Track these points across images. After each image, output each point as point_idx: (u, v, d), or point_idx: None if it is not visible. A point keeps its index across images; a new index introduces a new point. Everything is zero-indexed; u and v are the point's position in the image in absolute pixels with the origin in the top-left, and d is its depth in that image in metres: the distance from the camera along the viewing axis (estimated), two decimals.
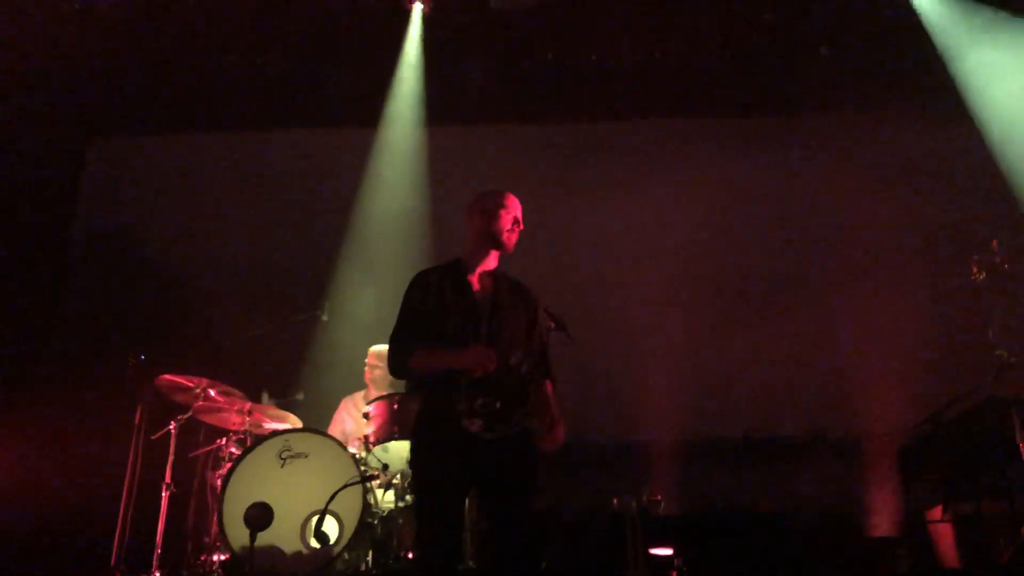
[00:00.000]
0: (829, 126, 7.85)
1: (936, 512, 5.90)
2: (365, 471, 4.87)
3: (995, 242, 5.09)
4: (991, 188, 6.91)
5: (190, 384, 5.26)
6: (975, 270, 5.11)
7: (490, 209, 3.51)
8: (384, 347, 5.72)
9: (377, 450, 5.05)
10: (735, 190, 7.50)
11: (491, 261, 3.54)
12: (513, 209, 3.53)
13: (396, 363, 3.43)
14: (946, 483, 5.77)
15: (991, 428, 5.15)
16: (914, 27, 7.16)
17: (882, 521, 6.81)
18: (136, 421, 5.44)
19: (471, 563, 4.71)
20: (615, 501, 4.21)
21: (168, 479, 5.25)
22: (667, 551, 4.09)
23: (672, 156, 7.74)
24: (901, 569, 5.62)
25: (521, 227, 3.54)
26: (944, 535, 5.73)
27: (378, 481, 4.97)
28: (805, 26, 7.27)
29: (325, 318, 6.08)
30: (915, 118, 7.47)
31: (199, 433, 5.60)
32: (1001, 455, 5.08)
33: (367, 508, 4.79)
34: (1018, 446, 4.71)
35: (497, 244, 3.50)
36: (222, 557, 4.89)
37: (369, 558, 4.85)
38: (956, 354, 6.32)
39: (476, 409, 3.22)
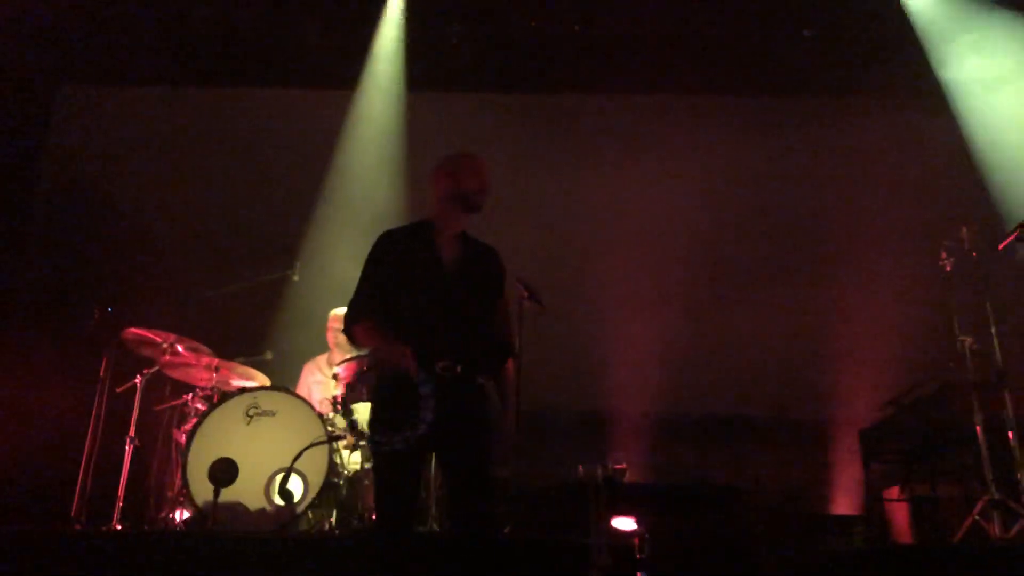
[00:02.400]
0: (808, 110, 7.89)
1: (893, 492, 6.04)
2: (332, 431, 4.86)
3: (964, 230, 5.14)
4: (963, 177, 7.00)
5: (157, 339, 5.21)
6: (943, 256, 5.17)
7: (457, 170, 3.46)
8: (345, 310, 5.75)
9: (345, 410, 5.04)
10: (714, 171, 7.53)
11: (459, 223, 3.48)
12: (480, 171, 3.47)
13: (345, 329, 3.43)
14: (904, 465, 5.90)
15: (950, 413, 5.25)
16: (897, 14, 7.19)
17: (842, 499, 6.96)
18: (101, 374, 5.37)
19: (435, 526, 4.74)
20: (580, 469, 4.24)
21: (132, 433, 5.21)
22: (630, 519, 4.13)
23: (652, 133, 7.75)
24: (857, 544, 5.74)
25: (489, 190, 3.48)
26: (899, 514, 5.87)
27: (345, 442, 4.96)
28: (789, 7, 7.26)
29: (296, 278, 6.04)
30: (892, 105, 7.54)
31: (165, 388, 5.55)
32: (958, 439, 5.18)
33: (333, 468, 4.79)
34: (975, 430, 4.80)
35: (466, 206, 3.44)
36: (185, 512, 4.88)
37: (333, 518, 4.86)
38: (921, 340, 6.41)
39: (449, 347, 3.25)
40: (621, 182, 7.48)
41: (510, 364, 3.53)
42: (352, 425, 4.84)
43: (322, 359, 5.89)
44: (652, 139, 7.67)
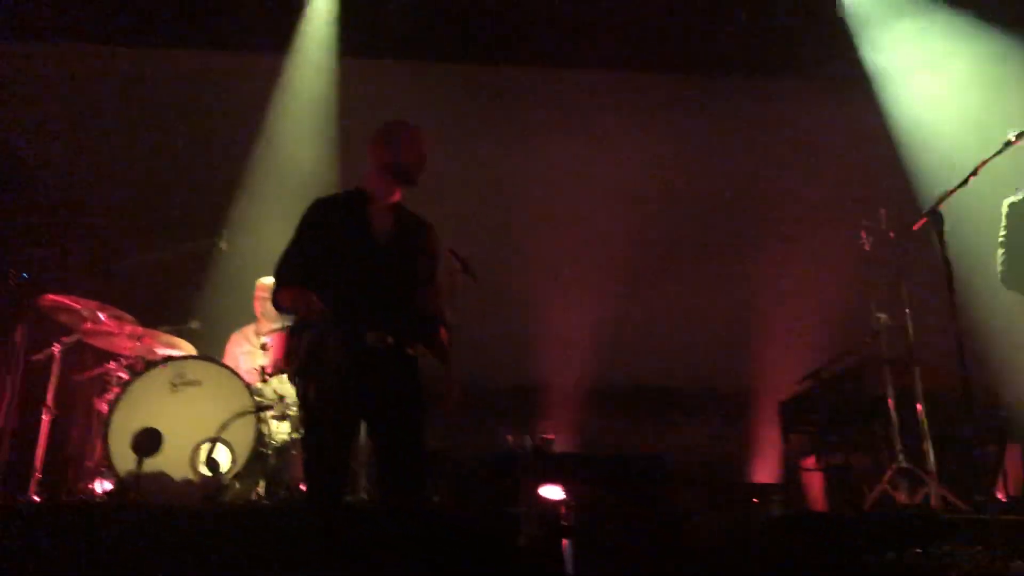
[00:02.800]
0: (740, 91, 8.02)
1: (809, 462, 6.28)
2: (260, 401, 4.82)
3: (883, 212, 5.32)
4: (885, 160, 7.23)
5: (77, 306, 5.05)
6: (863, 236, 5.35)
7: (393, 140, 3.43)
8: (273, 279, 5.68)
9: (273, 381, 5.00)
10: (647, 148, 7.62)
11: (393, 194, 3.46)
12: (418, 142, 3.45)
13: (272, 295, 3.39)
14: (820, 436, 6.13)
15: (864, 386, 5.46)
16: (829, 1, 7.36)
17: (762, 469, 7.21)
18: (16, 341, 5.18)
19: (364, 495, 4.75)
20: (509, 439, 4.30)
21: (49, 402, 5.05)
22: (558, 488, 4.22)
23: (588, 108, 7.80)
24: (774, 512, 5.96)
25: (425, 161, 3.47)
26: (815, 483, 6.11)
27: (273, 412, 4.93)
28: None
29: (224, 246, 5.91)
30: (820, 88, 7.71)
31: (86, 357, 5.40)
32: (871, 411, 5.40)
33: (260, 438, 4.75)
34: (887, 403, 5.02)
35: (400, 176, 3.42)
36: (106, 483, 4.78)
37: (261, 488, 4.83)
38: (841, 316, 6.64)
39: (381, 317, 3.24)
40: (555, 156, 7.52)
41: (444, 335, 3.54)
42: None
43: (249, 329, 5.80)
44: (587, 114, 7.72)
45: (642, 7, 7.39)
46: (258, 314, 5.75)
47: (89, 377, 5.30)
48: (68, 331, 5.18)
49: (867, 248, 5.37)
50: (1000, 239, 4.61)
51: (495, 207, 7.42)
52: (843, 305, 6.56)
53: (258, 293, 5.73)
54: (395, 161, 3.41)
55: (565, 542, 3.94)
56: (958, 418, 5.04)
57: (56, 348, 5.15)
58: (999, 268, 4.56)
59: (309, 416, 3.30)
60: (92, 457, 4.93)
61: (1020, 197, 4.58)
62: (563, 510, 4.10)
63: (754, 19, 7.50)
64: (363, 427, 4.22)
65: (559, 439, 5.55)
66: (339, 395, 3.20)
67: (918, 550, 3.44)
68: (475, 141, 7.34)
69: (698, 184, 7.76)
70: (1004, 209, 4.65)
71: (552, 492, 4.63)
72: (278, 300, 3.34)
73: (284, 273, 3.34)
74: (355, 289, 3.27)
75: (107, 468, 4.64)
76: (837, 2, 7.39)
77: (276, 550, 3.90)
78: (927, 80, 7.15)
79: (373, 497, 4.69)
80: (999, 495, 5.10)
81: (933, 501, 4.52)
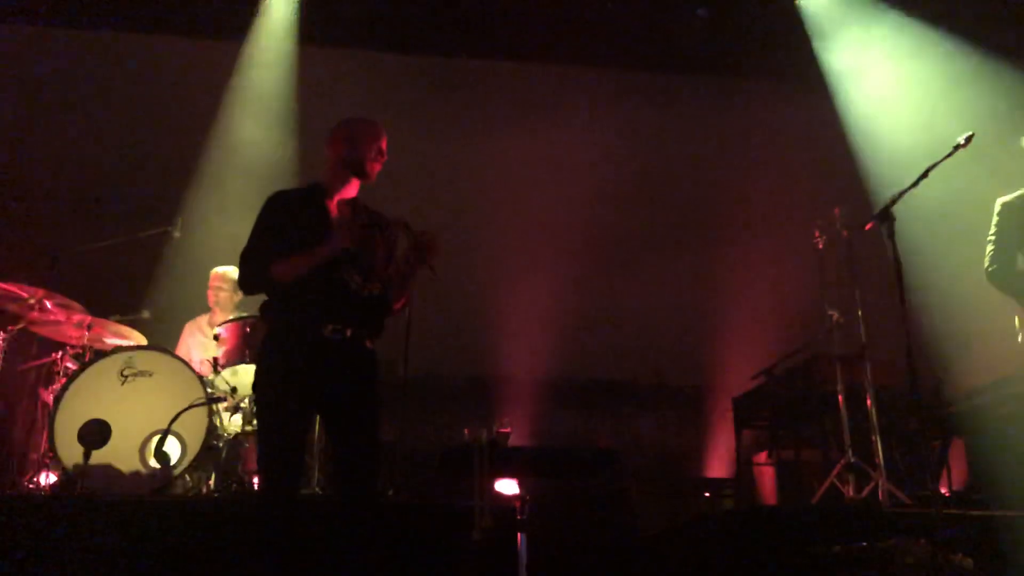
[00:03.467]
0: (697, 89, 8.10)
1: (761, 456, 6.38)
2: (212, 393, 4.74)
3: (837, 211, 5.41)
4: (839, 160, 7.36)
5: (23, 294, 4.91)
6: (816, 234, 5.44)
7: (354, 137, 3.41)
8: (227, 268, 5.59)
9: (226, 373, 4.92)
10: (604, 142, 7.66)
11: (351, 189, 3.45)
12: (378, 138, 3.43)
13: (253, 275, 3.31)
14: (772, 431, 6.24)
15: (815, 382, 5.57)
16: (787, 1, 7.44)
17: (716, 463, 7.30)
18: None
19: (317, 489, 4.71)
20: (466, 432, 4.28)
21: None
22: (513, 482, 4.22)
23: (544, 102, 7.81)
24: (726, 505, 6.05)
25: (385, 157, 3.46)
26: (767, 477, 6.21)
27: (225, 404, 4.86)
28: None
29: (177, 234, 5.79)
30: (777, 89, 7.83)
31: (31, 346, 5.26)
32: (821, 407, 5.50)
33: (212, 431, 4.68)
34: (837, 399, 5.11)
35: (359, 172, 3.41)
36: (51, 475, 4.66)
37: (212, 481, 4.76)
38: (795, 313, 6.75)
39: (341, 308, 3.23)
40: (511, 149, 7.51)
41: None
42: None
43: (203, 319, 5.71)
44: (544, 108, 7.72)
45: (605, 3, 7.39)
46: (212, 304, 5.66)
47: (35, 367, 5.17)
48: (14, 319, 5.04)
49: (820, 247, 5.46)
50: (990, 236, 4.68)
51: (452, 199, 7.40)
52: (796, 302, 6.67)
53: (212, 283, 5.64)
54: (353, 157, 3.39)
55: (519, 536, 3.95)
56: (906, 413, 5.18)
57: (1, 337, 5.01)
58: (986, 264, 4.65)
59: (264, 407, 3.26)
60: (37, 449, 4.81)
61: (1013, 196, 4.67)
62: (517, 504, 4.10)
63: (713, 17, 7.56)
64: (318, 420, 4.23)
65: (515, 432, 5.55)
66: (295, 387, 3.17)
67: (864, 543, 3.50)
68: (433, 132, 7.30)
69: (654, 180, 7.82)
70: (996, 207, 4.73)
71: (507, 486, 4.63)
72: (276, 274, 3.24)
73: (263, 254, 3.27)
74: (313, 282, 3.23)
75: (52, 460, 4.54)
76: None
77: (228, 544, 3.85)
78: (881, 81, 7.29)
79: (327, 490, 4.65)
80: (943, 489, 5.23)
81: (880, 495, 4.62)
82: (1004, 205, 4.67)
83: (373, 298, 3.36)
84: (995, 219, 4.68)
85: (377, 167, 3.43)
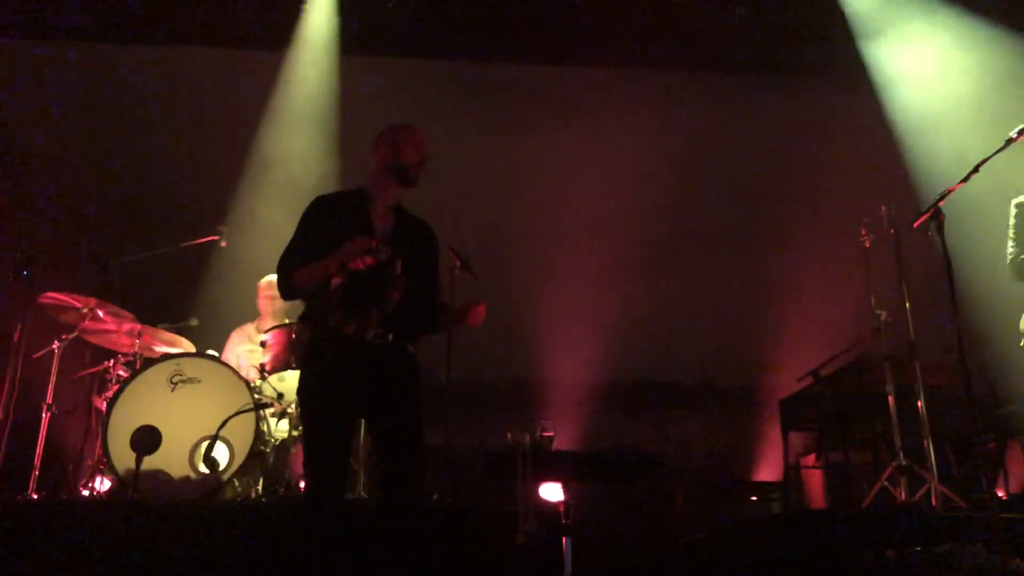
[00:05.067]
0: (740, 87, 8.02)
1: (810, 459, 6.27)
2: (259, 399, 4.81)
3: (884, 208, 5.31)
4: (886, 157, 7.22)
5: (77, 304, 5.06)
6: (863, 233, 5.34)
7: (397, 142, 3.45)
8: (275, 277, 5.66)
9: (273, 379, 4.99)
10: (647, 144, 7.61)
11: (394, 195, 3.48)
12: (420, 144, 3.46)
13: (281, 284, 3.38)
14: (820, 433, 6.12)
15: (864, 384, 5.45)
16: None
17: (764, 466, 7.19)
18: (16, 339, 5.17)
19: (363, 494, 4.75)
20: (509, 436, 4.29)
21: (49, 400, 5.06)
22: (557, 486, 4.21)
23: (587, 105, 7.79)
24: (774, 509, 5.96)
25: (427, 163, 3.49)
26: (815, 480, 6.10)
27: (272, 410, 4.93)
28: None
29: (224, 243, 5.89)
30: (821, 85, 7.70)
31: (85, 354, 5.40)
32: (870, 408, 5.39)
33: (259, 436, 4.75)
34: (886, 400, 5.00)
35: (402, 178, 3.44)
36: (105, 481, 4.78)
37: (259, 486, 4.83)
38: (842, 313, 6.63)
39: (350, 310, 3.22)
40: (555, 153, 7.51)
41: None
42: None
43: (250, 327, 5.80)
44: (587, 111, 7.70)
45: (643, 5, 7.36)
46: (263, 312, 5.73)
47: (88, 375, 5.30)
48: (68, 329, 5.18)
49: (867, 245, 5.36)
50: (1011, 236, 4.64)
51: (495, 204, 7.42)
52: (846, 301, 6.55)
53: (261, 292, 5.74)
54: (396, 162, 3.42)
55: (564, 540, 3.94)
56: (958, 415, 5.05)
57: (55, 346, 5.16)
58: (1009, 259, 4.60)
59: (309, 413, 3.30)
60: (91, 455, 4.93)
61: None
62: (562, 508, 4.09)
63: (755, 15, 7.48)
64: (363, 424, 4.26)
65: (559, 436, 5.54)
66: (337, 392, 3.20)
67: (917, 548, 3.42)
68: (473, 137, 7.33)
69: (699, 180, 7.75)
70: (1012, 209, 4.66)
71: (551, 490, 4.62)
72: (295, 282, 3.31)
73: (293, 260, 3.33)
74: (355, 286, 3.26)
75: (106, 466, 4.65)
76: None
77: (275, 548, 3.90)
78: (927, 76, 7.13)
79: (372, 495, 4.68)
80: (999, 492, 5.09)
81: (933, 499, 4.51)
82: (1019, 207, 4.65)
83: (413, 305, 3.37)
84: (1011, 221, 4.65)
85: (417, 174, 3.46)
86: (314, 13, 7.37)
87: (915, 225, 4.30)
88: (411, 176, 3.44)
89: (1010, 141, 4.00)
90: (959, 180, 4.04)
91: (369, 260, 3.18)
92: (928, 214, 4.08)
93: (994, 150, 4.01)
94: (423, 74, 7.64)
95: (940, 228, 3.92)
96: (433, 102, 7.19)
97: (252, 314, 5.82)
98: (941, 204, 4.01)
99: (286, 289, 3.40)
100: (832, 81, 7.64)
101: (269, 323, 5.52)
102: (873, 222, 5.33)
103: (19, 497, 4.74)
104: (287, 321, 5.23)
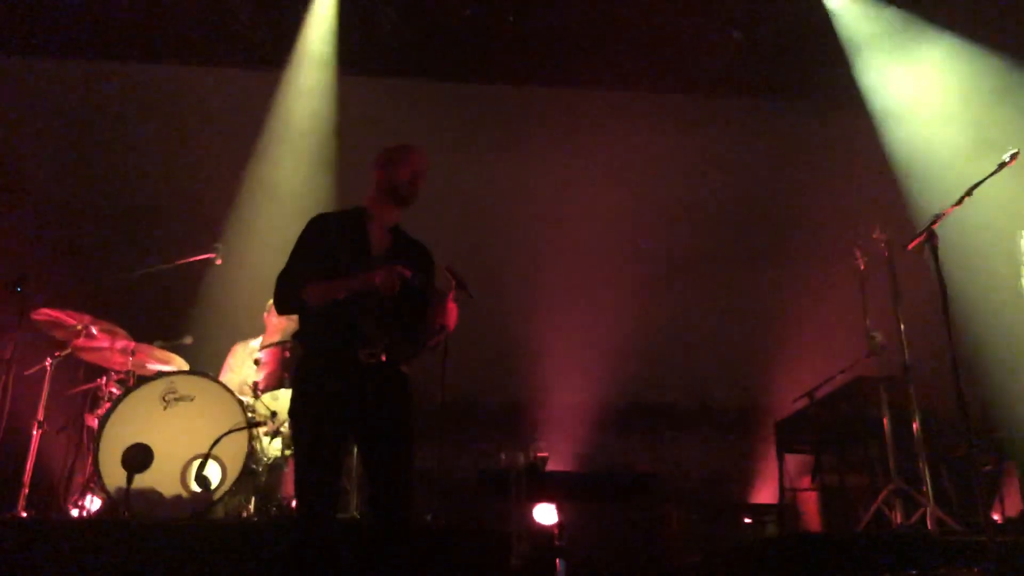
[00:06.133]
0: (735, 110, 8.07)
1: (805, 482, 6.25)
2: (252, 418, 4.78)
3: (878, 230, 5.33)
4: (880, 179, 7.25)
5: (71, 320, 5.04)
6: (858, 254, 5.35)
7: (392, 162, 3.46)
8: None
9: (266, 397, 4.97)
10: (640, 165, 7.64)
11: (392, 215, 3.48)
12: (415, 163, 3.46)
13: (286, 297, 3.36)
14: (815, 455, 6.10)
15: (859, 406, 5.44)
16: (823, 21, 7.39)
17: (760, 488, 7.16)
18: (8, 356, 5.14)
19: (356, 514, 4.71)
20: (503, 456, 4.28)
21: (40, 416, 5.01)
22: (551, 506, 4.19)
23: (581, 125, 7.83)
24: (769, 532, 5.92)
25: (421, 182, 3.47)
26: (811, 503, 6.08)
27: (265, 428, 4.90)
28: (719, 8, 7.38)
29: (219, 261, 5.86)
30: (816, 108, 7.75)
31: (78, 371, 5.37)
32: (866, 430, 5.38)
33: (252, 455, 4.72)
34: (882, 422, 4.99)
35: (394, 197, 3.45)
36: (96, 499, 4.74)
37: (252, 505, 4.79)
38: (837, 334, 6.63)
39: (375, 334, 3.21)
40: (551, 174, 7.54)
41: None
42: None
43: (256, 342, 5.72)
44: (583, 132, 7.74)
45: (640, 28, 7.41)
46: (268, 327, 5.69)
47: (80, 392, 5.26)
48: (60, 345, 5.15)
49: (862, 267, 5.37)
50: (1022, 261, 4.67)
51: (491, 224, 7.43)
52: (842, 323, 6.55)
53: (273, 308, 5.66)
54: (390, 181, 3.43)
55: (558, 561, 3.92)
56: (954, 438, 5.04)
57: (48, 362, 5.12)
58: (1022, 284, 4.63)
59: (301, 432, 3.28)
60: (82, 473, 4.89)
61: None
62: (556, 529, 4.07)
63: (750, 39, 7.54)
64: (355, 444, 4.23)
65: (553, 457, 5.52)
66: (330, 411, 3.19)
67: (913, 572, 3.41)
68: (470, 158, 7.35)
69: (694, 202, 7.77)
70: (1021, 244, 4.70)
71: (545, 510, 4.60)
72: (305, 299, 3.28)
73: (298, 276, 3.31)
74: (350, 306, 3.25)
75: (97, 484, 4.61)
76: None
77: (267, 568, 3.86)
78: (923, 100, 7.19)
79: (364, 515, 4.65)
80: (995, 516, 5.07)
81: (929, 522, 4.49)
82: None
83: (407, 325, 3.36)
84: (1022, 257, 4.66)
85: (410, 192, 3.45)
86: (312, 32, 7.41)
87: (909, 247, 4.32)
88: (402, 194, 3.44)
89: (1003, 165, 4.03)
90: (953, 203, 4.07)
91: (396, 285, 3.18)
92: (922, 237, 4.10)
93: (987, 174, 4.03)
94: (421, 94, 7.67)
95: (934, 250, 3.94)
96: (431, 122, 7.22)
97: (249, 332, 5.77)
98: (935, 227, 4.03)
99: (291, 302, 3.37)
100: (827, 104, 7.69)
101: (268, 340, 5.47)
102: (867, 244, 5.35)
103: (8, 515, 4.69)
104: (281, 339, 5.20)
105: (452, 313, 3.36)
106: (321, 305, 3.26)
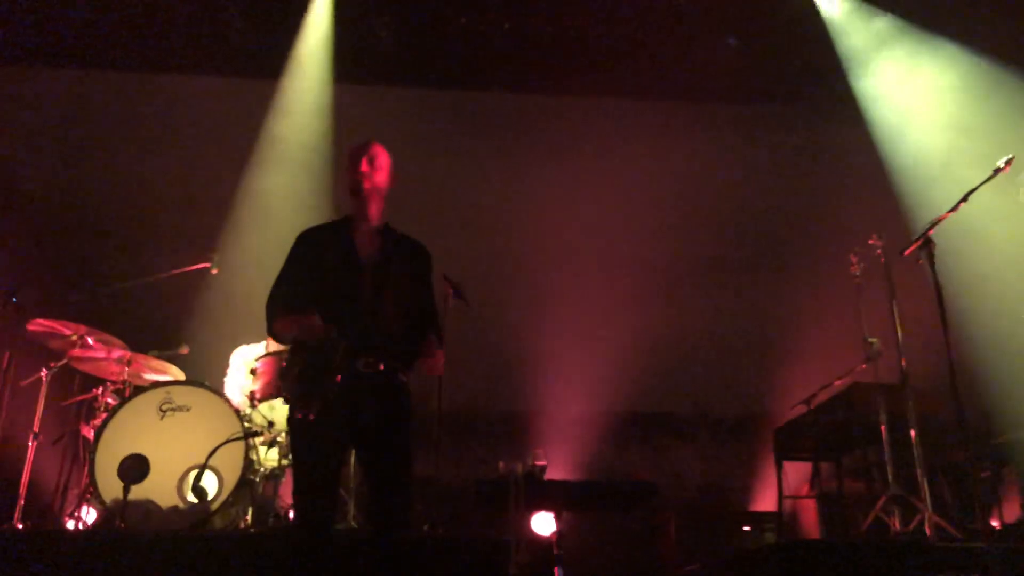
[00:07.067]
0: (731, 118, 8.08)
1: (804, 489, 6.24)
2: (249, 428, 4.77)
3: (874, 237, 5.33)
4: (876, 186, 7.27)
5: (66, 331, 5.02)
6: (854, 261, 5.36)
7: (349, 159, 3.43)
8: None
9: (263, 407, 4.95)
10: (638, 174, 7.64)
11: (372, 216, 3.44)
12: (357, 156, 3.41)
13: (267, 325, 3.38)
14: (813, 463, 6.10)
15: (857, 412, 5.43)
16: (819, 28, 7.42)
17: (760, 496, 7.15)
18: (4, 366, 5.13)
19: (353, 523, 4.70)
20: (501, 465, 4.26)
21: (36, 428, 4.98)
22: (549, 515, 4.17)
23: (579, 134, 7.84)
24: (768, 540, 5.90)
25: (368, 170, 3.38)
26: (809, 510, 6.06)
27: (262, 438, 4.88)
28: (715, 15, 7.40)
29: (215, 271, 5.85)
30: (812, 115, 7.77)
31: (73, 382, 5.35)
32: (864, 438, 5.37)
33: (249, 465, 4.70)
34: (879, 429, 4.99)
35: (353, 192, 3.41)
36: (92, 511, 4.71)
37: (249, 516, 4.76)
38: (835, 341, 6.62)
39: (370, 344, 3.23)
40: (549, 183, 7.53)
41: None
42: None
43: (260, 347, 5.68)
44: (579, 140, 7.75)
45: (636, 36, 7.44)
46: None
47: (76, 402, 5.24)
48: (56, 356, 5.13)
49: (858, 274, 5.37)
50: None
51: (489, 233, 7.42)
52: (840, 329, 6.55)
53: None
54: (349, 182, 3.42)
55: (556, 570, 3.90)
56: (952, 444, 5.04)
57: (44, 373, 5.10)
58: None
59: (298, 441, 3.26)
60: (78, 484, 4.86)
61: None
62: (554, 538, 4.05)
63: (747, 47, 7.57)
64: (353, 454, 4.22)
65: (552, 465, 5.50)
66: (328, 421, 3.17)
67: None
68: (468, 167, 7.36)
69: (692, 210, 7.77)
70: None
71: (544, 519, 4.58)
72: (276, 331, 3.32)
73: (277, 304, 3.32)
74: (345, 315, 3.24)
75: (93, 495, 4.58)
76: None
77: None
78: (919, 107, 7.21)
79: (362, 524, 4.63)
80: (994, 523, 5.06)
81: (927, 529, 4.48)
82: None
83: (404, 330, 3.35)
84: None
85: (365, 183, 3.39)
86: (307, 41, 7.42)
87: (905, 253, 4.33)
88: (356, 187, 3.39)
89: (998, 171, 4.04)
90: (948, 209, 4.08)
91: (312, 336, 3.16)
92: (918, 243, 4.11)
93: (982, 179, 4.05)
94: (418, 103, 7.67)
95: (931, 256, 3.95)
96: (428, 131, 7.22)
97: (247, 340, 5.73)
98: (931, 233, 4.04)
99: (268, 332, 3.40)
100: (823, 111, 7.71)
101: (275, 347, 5.42)
102: (863, 250, 5.35)
103: (4, 527, 4.67)
104: (279, 349, 5.17)
105: (438, 361, 3.36)
106: (292, 337, 3.25)
